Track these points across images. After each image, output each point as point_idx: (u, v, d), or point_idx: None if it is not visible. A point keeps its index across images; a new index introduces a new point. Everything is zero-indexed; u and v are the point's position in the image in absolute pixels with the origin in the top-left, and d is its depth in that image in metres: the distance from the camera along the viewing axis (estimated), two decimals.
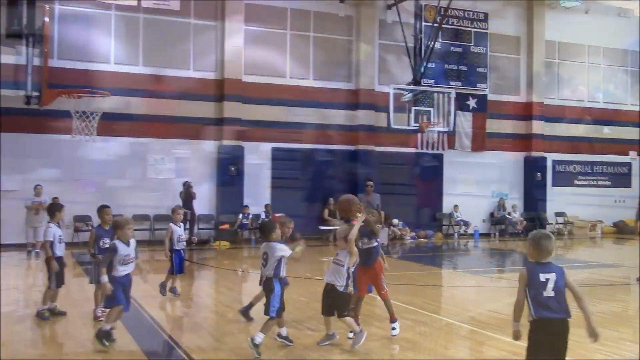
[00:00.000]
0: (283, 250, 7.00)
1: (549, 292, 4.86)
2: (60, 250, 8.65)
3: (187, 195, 19.24)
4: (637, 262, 17.22)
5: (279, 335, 7.31)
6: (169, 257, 10.21)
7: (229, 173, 20.37)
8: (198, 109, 20.30)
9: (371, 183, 14.05)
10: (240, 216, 20.16)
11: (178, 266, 10.27)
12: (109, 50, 19.52)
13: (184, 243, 10.48)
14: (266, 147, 21.15)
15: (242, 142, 20.65)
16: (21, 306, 9.92)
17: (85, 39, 19.22)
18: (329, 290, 7.16)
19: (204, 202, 20.12)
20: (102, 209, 8.61)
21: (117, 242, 7.23)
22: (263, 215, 20.59)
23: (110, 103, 17.42)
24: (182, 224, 10.53)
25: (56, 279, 8.62)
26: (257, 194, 20.76)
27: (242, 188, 20.61)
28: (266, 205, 20.67)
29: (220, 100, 20.51)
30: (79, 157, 18.54)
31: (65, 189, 18.10)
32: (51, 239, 8.49)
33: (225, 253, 18.51)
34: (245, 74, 20.86)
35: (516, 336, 5.10)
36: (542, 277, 4.90)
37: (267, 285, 6.99)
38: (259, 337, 6.73)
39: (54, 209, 8.73)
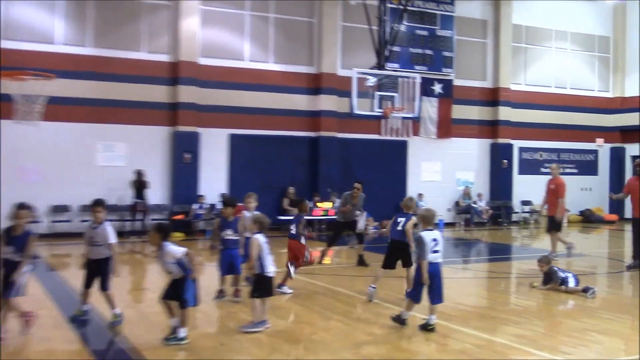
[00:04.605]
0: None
1: None
2: None
3: (139, 184, 18.48)
4: (605, 251, 16.87)
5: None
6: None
7: (184, 161, 19.55)
8: (151, 93, 19.40)
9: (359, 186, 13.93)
10: (196, 206, 19.30)
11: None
12: (55, 30, 18.45)
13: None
14: (223, 134, 20.33)
15: (198, 128, 19.80)
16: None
17: (30, 17, 18.10)
18: None
19: (157, 191, 19.23)
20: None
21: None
22: (219, 205, 19.73)
23: (56, 86, 16.34)
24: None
25: None
26: (214, 183, 19.92)
27: (197, 176, 19.80)
28: (222, 195, 19.80)
29: (175, 84, 19.61)
30: (22, 144, 17.40)
31: (6, 177, 17.01)
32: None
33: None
34: (201, 56, 19.97)
35: None
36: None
37: None
38: None
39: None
